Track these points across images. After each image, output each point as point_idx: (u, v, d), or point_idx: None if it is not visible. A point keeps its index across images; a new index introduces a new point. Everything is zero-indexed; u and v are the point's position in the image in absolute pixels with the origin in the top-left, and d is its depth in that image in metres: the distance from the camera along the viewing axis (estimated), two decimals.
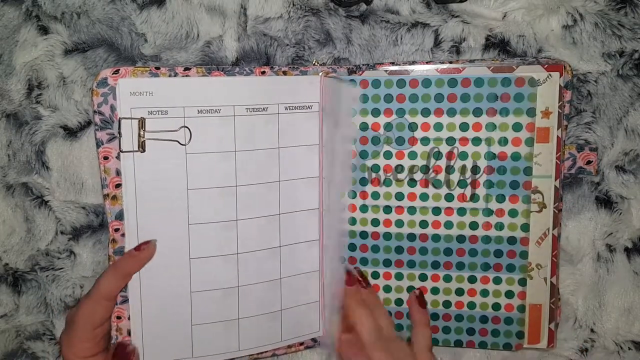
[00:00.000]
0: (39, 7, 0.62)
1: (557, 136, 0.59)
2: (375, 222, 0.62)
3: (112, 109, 0.56)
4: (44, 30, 0.63)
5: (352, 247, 0.63)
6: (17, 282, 0.65)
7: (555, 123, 0.59)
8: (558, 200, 0.60)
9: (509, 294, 0.62)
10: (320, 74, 0.61)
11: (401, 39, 0.64)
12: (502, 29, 0.63)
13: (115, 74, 0.55)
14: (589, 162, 0.62)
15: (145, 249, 0.57)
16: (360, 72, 0.61)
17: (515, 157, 0.59)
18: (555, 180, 0.60)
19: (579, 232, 0.65)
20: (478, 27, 0.63)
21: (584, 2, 0.62)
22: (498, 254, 0.61)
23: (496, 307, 0.62)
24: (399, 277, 0.63)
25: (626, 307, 0.66)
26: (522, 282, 0.61)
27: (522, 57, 0.62)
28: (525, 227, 0.60)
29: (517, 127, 0.59)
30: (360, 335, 0.58)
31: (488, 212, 0.61)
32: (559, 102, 0.59)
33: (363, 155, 0.61)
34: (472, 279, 0.62)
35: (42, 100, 0.63)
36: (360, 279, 0.62)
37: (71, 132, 0.64)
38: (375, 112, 0.60)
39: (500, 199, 0.60)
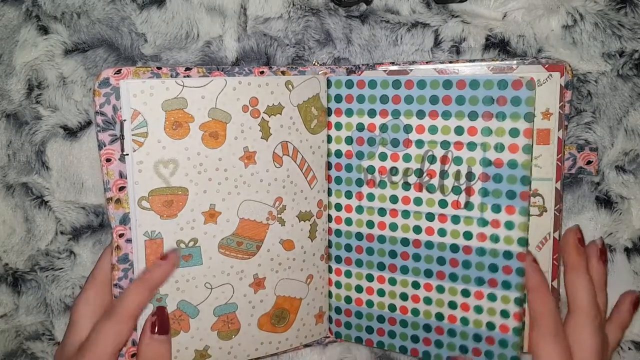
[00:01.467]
0: (39, 7, 0.63)
1: (558, 137, 0.58)
2: (370, 224, 0.62)
3: (115, 109, 0.54)
4: (44, 30, 0.63)
5: (348, 247, 0.63)
6: (17, 282, 0.66)
7: (555, 124, 0.58)
8: (559, 201, 0.59)
9: (504, 314, 0.58)
10: (319, 73, 0.61)
11: (401, 39, 0.63)
12: (502, 29, 0.62)
13: (117, 74, 0.54)
14: (589, 162, 0.61)
15: (172, 258, 0.55)
16: (360, 72, 0.61)
17: (512, 164, 0.56)
18: (556, 182, 0.59)
19: None
20: (478, 27, 0.63)
21: (584, 2, 0.61)
22: (493, 268, 0.58)
23: (490, 326, 0.59)
24: (392, 282, 0.62)
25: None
26: (519, 302, 0.58)
27: (522, 57, 0.61)
28: (523, 242, 0.57)
29: (514, 132, 0.56)
30: (572, 302, 0.56)
31: (483, 222, 0.58)
32: (559, 103, 0.58)
33: (359, 155, 0.61)
34: (465, 293, 0.59)
35: (42, 100, 0.63)
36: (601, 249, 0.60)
37: (71, 132, 0.64)
38: (372, 113, 0.60)
39: (496, 209, 0.57)
